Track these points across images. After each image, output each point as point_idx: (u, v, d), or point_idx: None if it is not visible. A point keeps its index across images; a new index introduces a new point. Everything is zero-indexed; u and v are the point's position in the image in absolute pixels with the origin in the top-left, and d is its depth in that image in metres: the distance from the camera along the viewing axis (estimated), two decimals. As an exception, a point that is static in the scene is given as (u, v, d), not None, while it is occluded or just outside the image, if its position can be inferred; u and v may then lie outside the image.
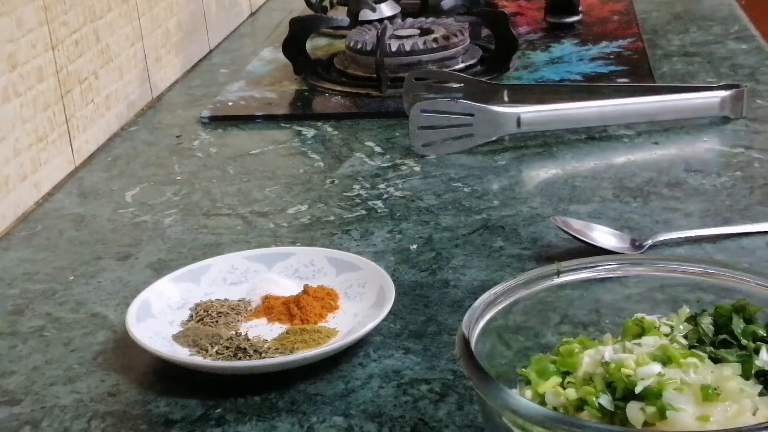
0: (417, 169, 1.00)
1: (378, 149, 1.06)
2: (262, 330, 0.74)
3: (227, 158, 1.07)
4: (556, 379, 0.56)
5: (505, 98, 1.13)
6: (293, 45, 1.27)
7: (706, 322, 0.59)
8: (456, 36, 1.25)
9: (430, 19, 1.32)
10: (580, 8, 1.44)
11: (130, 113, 1.20)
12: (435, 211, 0.91)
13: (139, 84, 1.23)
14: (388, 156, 1.04)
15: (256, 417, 0.64)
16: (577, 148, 1.03)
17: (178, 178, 1.02)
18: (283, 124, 1.15)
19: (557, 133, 1.06)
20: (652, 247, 0.81)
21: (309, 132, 1.12)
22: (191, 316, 0.75)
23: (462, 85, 1.14)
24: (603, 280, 0.64)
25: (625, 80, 1.18)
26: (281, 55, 1.29)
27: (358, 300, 0.75)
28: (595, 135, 1.06)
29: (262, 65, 1.35)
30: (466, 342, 0.56)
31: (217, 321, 0.74)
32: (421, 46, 1.23)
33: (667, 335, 0.59)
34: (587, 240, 0.81)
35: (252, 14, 1.66)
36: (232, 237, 0.89)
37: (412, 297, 0.77)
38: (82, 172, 1.06)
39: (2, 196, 0.93)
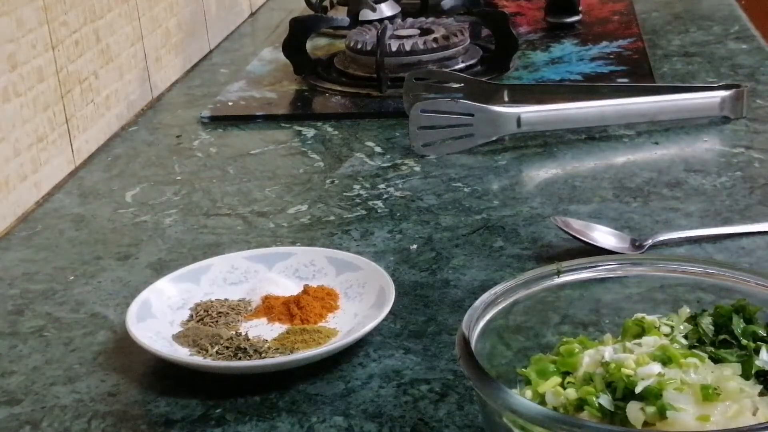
0: (417, 169, 1.00)
1: (378, 149, 1.06)
2: (262, 330, 0.74)
3: (227, 158, 1.07)
4: (556, 379, 0.56)
5: (505, 98, 1.13)
6: (293, 45, 1.27)
7: (706, 322, 0.59)
8: (456, 36, 1.25)
9: (430, 19, 1.32)
10: (580, 8, 1.44)
11: (130, 113, 1.20)
12: (435, 211, 0.91)
13: (139, 84, 1.23)
14: (388, 156, 1.04)
15: (256, 417, 0.64)
16: (577, 148, 1.03)
17: (178, 178, 1.02)
18: (283, 124, 1.16)
19: (557, 133, 1.06)
20: (652, 247, 0.81)
21: (309, 132, 1.12)
22: (191, 316, 0.75)
23: (462, 85, 1.14)
24: (603, 280, 0.64)
25: (625, 80, 1.18)
26: (281, 55, 1.29)
27: (358, 300, 0.75)
28: (595, 135, 1.06)
29: (262, 65, 1.35)
30: (466, 342, 0.56)
31: (217, 321, 0.74)
32: (421, 46, 1.23)
33: (667, 335, 0.59)
34: (587, 240, 0.81)
35: (252, 14, 1.66)
36: (232, 237, 0.89)
37: (412, 297, 0.77)
38: (82, 172, 1.06)
39: (2, 196, 0.93)
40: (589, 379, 0.55)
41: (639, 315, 0.61)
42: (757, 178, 0.93)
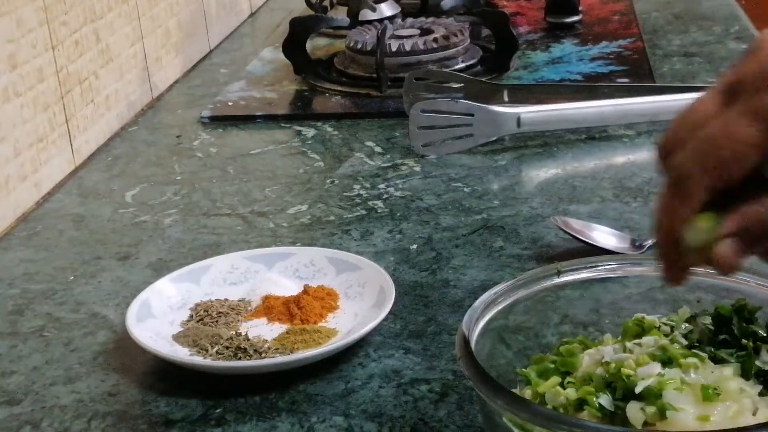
0: (417, 169, 1.00)
1: (378, 149, 1.06)
2: (262, 330, 0.74)
3: (227, 158, 1.07)
4: (556, 379, 0.56)
5: (505, 98, 1.13)
6: (293, 45, 1.27)
7: (706, 322, 0.59)
8: (456, 36, 1.25)
9: (430, 19, 1.32)
10: (580, 8, 1.44)
11: (130, 113, 1.20)
12: (435, 211, 0.91)
13: (139, 84, 1.23)
14: (388, 156, 1.04)
15: (256, 417, 0.64)
16: (577, 148, 1.03)
17: (178, 178, 1.02)
18: (283, 124, 1.16)
19: (557, 133, 1.06)
20: (652, 247, 0.81)
21: (309, 132, 1.12)
22: (191, 316, 0.75)
23: (462, 85, 1.14)
24: (603, 280, 0.64)
25: (625, 80, 1.18)
26: (281, 55, 1.29)
27: (358, 300, 0.75)
28: (595, 135, 1.06)
29: (262, 65, 1.35)
30: (466, 342, 0.56)
31: (217, 321, 0.74)
32: (421, 46, 1.23)
33: (667, 335, 0.59)
34: (587, 240, 0.81)
35: (252, 14, 1.66)
36: (232, 237, 0.89)
37: (412, 297, 0.77)
38: (82, 172, 1.06)
39: (2, 196, 0.93)
40: (589, 379, 0.55)
41: (639, 315, 0.61)
42: (757, 178, 0.93)
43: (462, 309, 0.61)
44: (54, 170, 1.02)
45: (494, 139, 1.04)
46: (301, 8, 1.52)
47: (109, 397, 0.68)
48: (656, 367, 0.54)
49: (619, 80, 1.19)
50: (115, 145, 1.13)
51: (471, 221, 0.88)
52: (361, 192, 0.96)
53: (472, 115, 1.03)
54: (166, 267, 0.84)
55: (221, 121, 1.17)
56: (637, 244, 0.81)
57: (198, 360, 0.69)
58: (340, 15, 1.42)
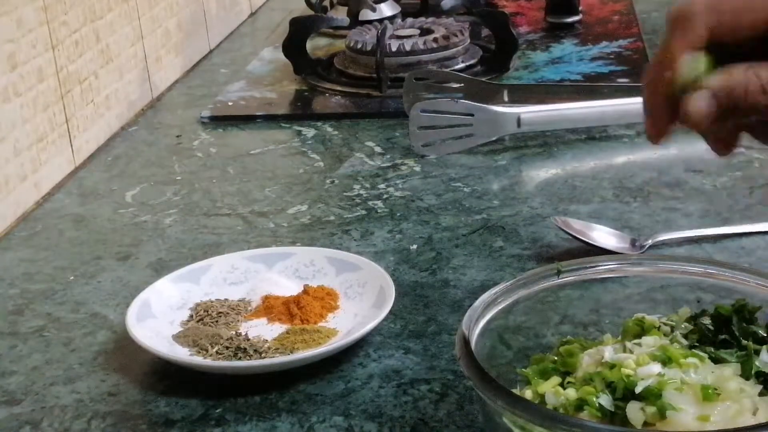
0: (417, 169, 1.00)
1: (378, 149, 1.06)
2: (262, 330, 0.74)
3: (227, 158, 1.07)
4: (556, 379, 0.56)
5: (505, 98, 1.13)
6: (293, 45, 1.27)
7: (706, 323, 0.59)
8: (456, 36, 1.25)
9: (430, 19, 1.32)
10: (580, 8, 1.44)
11: (130, 113, 1.20)
12: (435, 211, 0.91)
13: (139, 84, 1.23)
14: (388, 156, 1.04)
15: (256, 417, 0.64)
16: (577, 148, 1.03)
17: (178, 178, 1.02)
18: (283, 124, 1.16)
19: (557, 133, 1.06)
20: (652, 247, 0.81)
21: (309, 132, 1.12)
22: (191, 316, 0.75)
23: (462, 85, 1.14)
24: (603, 280, 0.64)
25: (625, 80, 1.18)
26: (281, 55, 1.29)
27: (358, 300, 0.75)
28: (595, 135, 1.06)
29: (262, 65, 1.35)
30: (466, 342, 0.56)
31: (217, 321, 0.74)
32: (421, 46, 1.23)
33: (667, 335, 0.59)
34: (587, 240, 0.81)
35: (252, 14, 1.66)
36: (232, 237, 0.89)
37: (412, 297, 0.77)
38: (82, 172, 1.06)
39: (2, 196, 0.93)
40: (589, 379, 0.55)
41: (639, 315, 0.61)
42: (757, 178, 0.93)
43: (462, 309, 0.61)
44: (54, 170, 1.02)
45: (494, 139, 1.04)
46: (301, 8, 1.52)
47: (109, 397, 0.68)
48: (656, 367, 0.54)
49: (619, 80, 1.19)
50: (115, 145, 1.13)
51: (471, 221, 0.88)
52: (361, 192, 0.96)
53: (472, 115, 1.03)
54: (166, 267, 0.84)
55: (221, 121, 1.17)
56: (637, 244, 0.81)
57: (198, 360, 0.69)
58: (340, 15, 1.42)
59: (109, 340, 0.74)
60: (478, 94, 1.11)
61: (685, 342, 0.58)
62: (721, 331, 0.58)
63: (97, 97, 1.11)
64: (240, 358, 0.69)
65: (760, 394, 0.54)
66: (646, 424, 0.51)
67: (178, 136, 1.14)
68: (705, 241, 0.82)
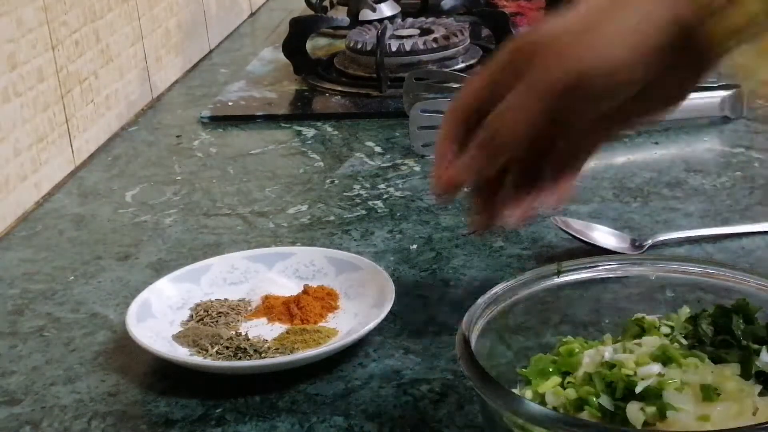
0: (417, 169, 1.00)
1: (378, 149, 1.06)
2: (263, 330, 0.74)
3: (227, 158, 1.07)
4: (556, 379, 0.56)
5: (505, 98, 1.13)
6: (293, 45, 1.27)
7: (706, 322, 0.59)
8: (456, 36, 1.25)
9: (430, 19, 1.32)
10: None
11: (130, 113, 1.20)
12: (435, 211, 0.91)
13: (139, 84, 1.23)
14: (388, 156, 1.04)
15: (256, 417, 0.64)
16: (577, 148, 1.03)
17: (178, 178, 1.02)
18: (283, 124, 1.16)
19: (557, 133, 1.06)
20: (652, 247, 0.81)
21: (309, 132, 1.12)
22: (191, 316, 0.75)
23: (462, 85, 1.13)
24: (603, 280, 0.64)
25: (625, 80, 1.18)
26: (281, 55, 1.29)
27: (358, 300, 0.75)
28: (595, 135, 1.05)
29: (262, 65, 1.35)
30: (466, 342, 0.56)
31: (217, 321, 0.74)
32: (421, 46, 1.23)
33: (667, 335, 0.59)
34: (587, 240, 0.81)
35: (252, 14, 1.66)
36: (232, 237, 0.89)
37: (412, 297, 0.77)
38: (82, 172, 1.06)
39: (2, 196, 0.93)
40: (589, 379, 0.55)
41: (639, 315, 0.61)
42: (757, 178, 0.93)
43: (462, 309, 0.61)
44: (54, 170, 1.02)
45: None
46: (301, 8, 1.52)
47: (109, 397, 0.68)
48: (656, 367, 0.54)
49: (619, 80, 1.19)
50: (115, 145, 1.13)
51: (471, 221, 0.88)
52: (361, 192, 0.96)
53: (472, 115, 1.03)
54: (166, 267, 0.84)
55: (221, 121, 1.17)
56: (637, 244, 0.81)
57: (198, 360, 0.69)
58: (340, 15, 1.42)
59: (109, 340, 0.74)
60: (478, 94, 1.11)
61: (685, 342, 0.58)
62: (721, 331, 0.58)
63: (97, 97, 1.12)
64: (240, 358, 0.69)
65: (760, 394, 0.54)
66: (646, 424, 0.51)
67: (178, 136, 1.14)
68: (705, 241, 0.82)
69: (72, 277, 0.84)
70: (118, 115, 1.17)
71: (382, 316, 0.70)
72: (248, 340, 0.71)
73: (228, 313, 0.75)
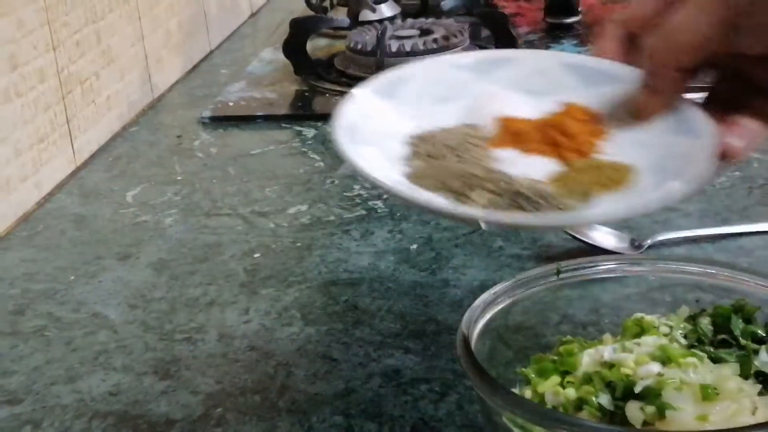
0: (417, 169, 1.00)
1: (378, 149, 1.06)
2: (521, 167, 0.52)
3: (228, 158, 1.07)
4: (556, 379, 0.56)
5: (506, 98, 1.13)
6: (293, 45, 1.28)
7: (706, 322, 0.59)
8: (456, 36, 1.25)
9: (430, 20, 1.32)
10: (580, 8, 1.44)
11: (131, 114, 1.20)
12: (435, 212, 0.91)
13: (140, 84, 1.23)
14: (389, 156, 1.04)
15: (256, 417, 0.65)
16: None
17: (179, 178, 1.03)
18: (283, 125, 1.16)
19: (557, 134, 1.06)
20: (652, 247, 0.81)
21: (309, 132, 1.13)
22: (413, 149, 0.55)
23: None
24: (602, 280, 0.64)
25: (625, 80, 1.18)
26: (282, 56, 1.29)
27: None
28: (594, 135, 1.06)
29: (263, 66, 1.35)
30: (466, 342, 0.56)
31: (457, 155, 0.53)
32: (421, 47, 1.23)
33: (666, 335, 0.59)
34: (587, 240, 0.81)
35: (252, 15, 1.66)
36: (232, 237, 0.89)
37: (412, 297, 0.77)
38: (83, 172, 1.06)
39: (3, 196, 0.93)
40: (588, 379, 0.55)
41: (638, 315, 0.61)
42: (756, 178, 0.93)
43: (462, 309, 0.61)
44: (55, 170, 1.02)
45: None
46: (301, 9, 1.52)
47: (109, 397, 0.68)
48: (655, 367, 0.54)
49: (619, 80, 1.19)
50: (116, 145, 1.13)
51: (471, 221, 0.89)
52: (361, 192, 0.96)
53: (472, 115, 1.03)
54: (167, 267, 0.84)
55: (222, 121, 1.17)
56: (636, 244, 0.81)
57: (482, 212, 0.48)
58: (341, 15, 1.42)
59: (110, 339, 0.75)
60: (478, 94, 1.11)
61: (684, 342, 0.58)
62: (721, 330, 0.58)
63: (98, 98, 1.12)
64: (522, 208, 0.48)
65: (760, 394, 0.54)
66: (645, 423, 0.51)
67: (178, 137, 1.14)
68: (704, 241, 0.82)
69: (73, 277, 0.84)
70: (119, 115, 1.17)
71: (705, 138, 0.51)
72: (517, 181, 0.49)
73: (462, 145, 0.54)
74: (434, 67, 0.60)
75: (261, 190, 0.98)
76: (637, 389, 0.52)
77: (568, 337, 0.61)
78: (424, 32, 1.28)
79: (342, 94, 1.21)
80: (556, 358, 0.58)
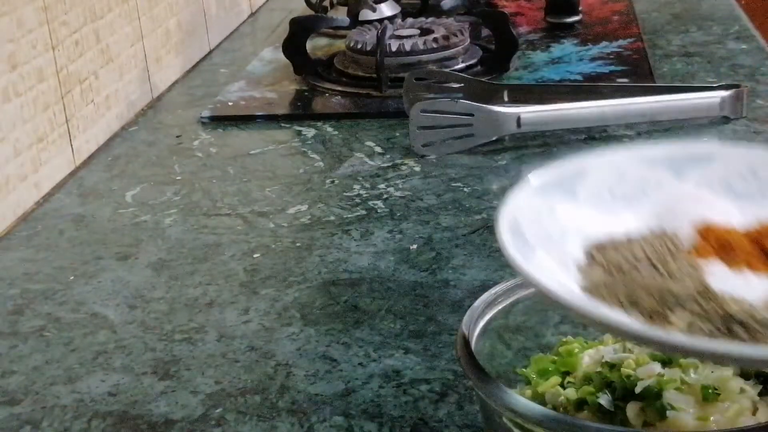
0: (417, 169, 1.00)
1: (378, 149, 1.06)
2: (731, 285, 0.45)
3: (227, 158, 1.07)
4: (556, 379, 0.56)
5: (505, 98, 1.13)
6: (293, 45, 1.27)
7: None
8: (456, 36, 1.25)
9: (430, 19, 1.32)
10: (580, 8, 1.44)
11: (131, 113, 1.20)
12: (435, 211, 0.91)
13: (140, 84, 1.23)
14: (388, 156, 1.04)
15: (256, 417, 0.65)
16: (577, 148, 1.03)
17: (178, 178, 1.03)
18: (283, 124, 1.16)
19: (557, 133, 1.06)
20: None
21: (309, 132, 1.12)
22: (591, 255, 0.48)
23: (462, 85, 1.14)
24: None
25: (625, 80, 1.19)
26: (281, 55, 1.29)
27: None
28: (595, 135, 1.06)
29: (263, 65, 1.35)
30: (466, 342, 0.56)
31: (651, 268, 0.45)
32: (421, 46, 1.23)
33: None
34: None
35: (252, 14, 1.66)
36: (232, 237, 0.89)
37: (412, 297, 0.77)
38: (82, 172, 1.06)
39: (2, 196, 0.93)
40: (589, 379, 0.55)
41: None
42: (757, 178, 0.93)
43: (462, 309, 0.61)
44: (54, 170, 1.02)
45: (494, 139, 1.04)
46: (301, 8, 1.52)
47: (109, 397, 0.68)
48: (656, 367, 0.54)
49: (619, 80, 1.19)
50: (115, 145, 1.13)
51: (471, 221, 0.89)
52: (361, 192, 0.96)
53: (472, 115, 1.03)
54: (167, 267, 0.84)
55: (221, 121, 1.17)
56: (637, 244, 0.81)
57: (683, 339, 0.41)
58: (340, 15, 1.42)
59: (110, 340, 0.74)
60: (478, 94, 1.11)
61: (684, 342, 0.58)
62: (721, 330, 0.58)
63: (97, 97, 1.12)
64: (737, 336, 0.40)
65: (760, 394, 0.54)
66: (646, 424, 0.51)
67: (178, 136, 1.14)
68: (705, 241, 0.82)
69: (72, 277, 0.84)
70: (118, 115, 1.17)
71: None
72: (728, 302, 0.42)
73: (655, 255, 0.46)
74: (620, 159, 0.51)
75: (261, 190, 0.98)
76: (638, 390, 0.52)
77: (569, 338, 0.61)
78: (424, 32, 1.28)
79: (342, 93, 1.22)
80: (556, 358, 0.58)
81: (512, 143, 1.05)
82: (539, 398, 0.55)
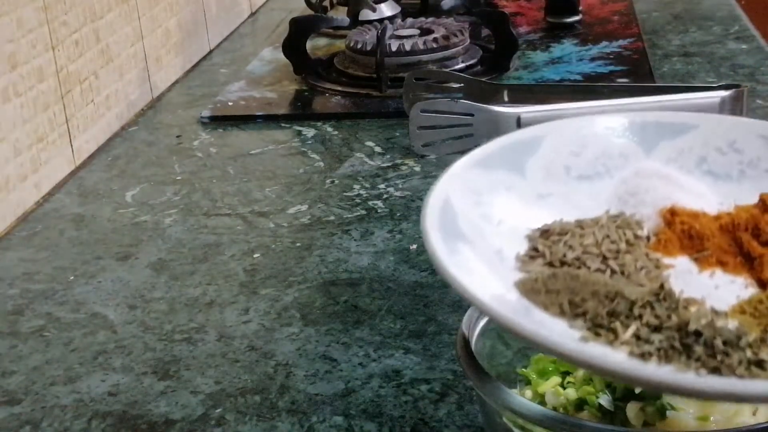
0: (417, 169, 1.00)
1: (378, 149, 1.06)
2: (695, 285, 0.37)
3: (227, 158, 1.07)
4: (556, 379, 0.56)
5: (505, 98, 1.13)
6: (293, 45, 1.27)
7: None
8: (456, 36, 1.25)
9: (430, 19, 1.32)
10: (580, 8, 1.44)
11: (130, 113, 1.20)
12: (435, 211, 0.91)
13: (139, 84, 1.23)
14: (388, 156, 1.04)
15: (256, 417, 0.65)
16: (577, 148, 1.03)
17: (178, 178, 1.03)
18: (283, 124, 1.16)
19: (557, 133, 1.06)
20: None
21: (309, 132, 1.12)
22: (537, 249, 0.39)
23: (462, 85, 1.14)
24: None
25: (625, 80, 1.19)
26: (281, 55, 1.29)
27: None
28: (595, 135, 1.05)
29: (262, 65, 1.35)
30: (466, 342, 0.56)
31: (601, 264, 0.37)
32: (421, 46, 1.23)
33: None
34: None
35: (252, 14, 1.66)
36: (232, 237, 0.89)
37: (412, 297, 0.77)
38: (82, 172, 1.06)
39: (2, 196, 0.93)
40: (589, 379, 0.55)
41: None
42: (757, 178, 0.93)
43: (462, 309, 0.61)
44: (54, 170, 1.02)
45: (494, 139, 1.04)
46: (301, 8, 1.52)
47: (109, 397, 0.68)
48: (656, 367, 0.54)
49: (619, 80, 1.19)
50: (115, 145, 1.13)
51: (471, 221, 0.88)
52: (361, 192, 0.96)
53: (472, 115, 1.03)
54: (167, 267, 0.84)
55: (221, 121, 1.17)
56: (637, 244, 0.81)
57: (641, 369, 0.33)
58: (340, 15, 1.42)
59: (109, 340, 0.74)
60: (478, 94, 1.11)
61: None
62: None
63: (97, 97, 1.12)
64: (696, 359, 0.32)
65: (760, 394, 0.54)
66: (645, 424, 0.51)
67: (178, 136, 1.14)
68: (705, 241, 0.82)
69: (72, 277, 0.84)
70: (118, 115, 1.17)
71: None
72: (691, 311, 0.34)
73: (608, 248, 0.38)
74: (581, 129, 0.42)
75: (261, 190, 0.98)
76: (638, 389, 0.52)
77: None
78: (424, 32, 1.28)
79: (342, 93, 1.22)
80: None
81: (512, 143, 1.05)
82: (539, 398, 0.55)
